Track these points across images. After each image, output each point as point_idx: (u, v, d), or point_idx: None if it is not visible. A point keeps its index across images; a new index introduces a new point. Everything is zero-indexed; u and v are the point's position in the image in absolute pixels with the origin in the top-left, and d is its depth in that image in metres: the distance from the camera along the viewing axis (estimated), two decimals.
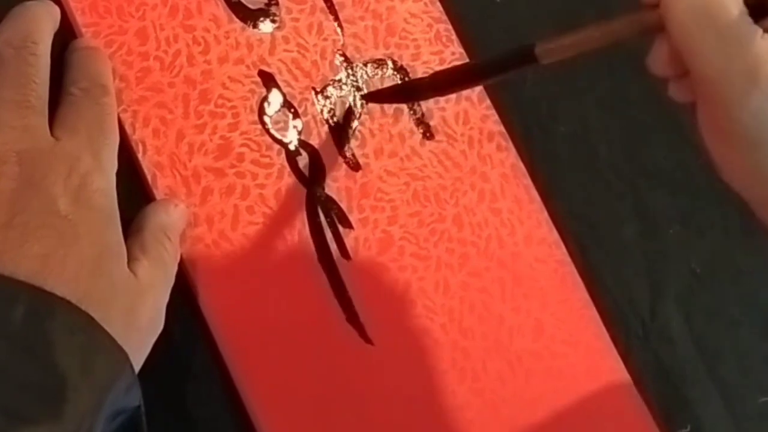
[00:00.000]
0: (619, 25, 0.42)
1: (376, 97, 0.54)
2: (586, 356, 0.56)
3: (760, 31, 0.38)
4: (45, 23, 0.44)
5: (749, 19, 0.38)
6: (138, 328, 0.42)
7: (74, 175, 0.41)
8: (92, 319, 0.38)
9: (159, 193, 0.47)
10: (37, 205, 0.40)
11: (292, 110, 0.52)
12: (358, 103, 0.53)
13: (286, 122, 0.51)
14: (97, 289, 0.40)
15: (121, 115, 0.47)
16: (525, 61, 0.46)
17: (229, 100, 0.50)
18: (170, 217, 0.47)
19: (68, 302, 0.38)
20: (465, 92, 0.56)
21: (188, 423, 0.46)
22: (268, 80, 0.51)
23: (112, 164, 0.44)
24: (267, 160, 0.50)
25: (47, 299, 0.38)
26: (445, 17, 0.57)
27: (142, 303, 0.43)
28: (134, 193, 0.47)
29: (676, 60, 0.41)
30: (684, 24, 0.39)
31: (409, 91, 0.55)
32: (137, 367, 0.41)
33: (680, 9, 0.39)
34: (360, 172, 0.53)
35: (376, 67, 0.55)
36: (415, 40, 0.56)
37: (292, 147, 0.51)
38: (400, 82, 0.55)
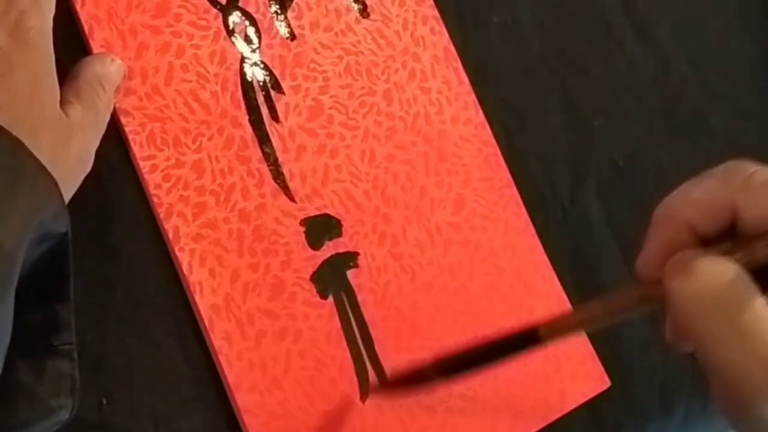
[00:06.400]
0: (622, 302, 0.40)
1: (383, 388, 0.53)
2: (505, 232, 0.59)
3: None
4: None
5: (764, 302, 0.34)
6: (66, 161, 0.44)
7: (11, 11, 0.43)
8: (21, 143, 0.40)
9: (95, 45, 0.49)
10: None
11: None
12: None
13: None
14: (28, 118, 0.42)
15: None
16: (529, 342, 0.43)
17: None
18: (106, 68, 0.48)
19: None
20: None
21: (112, 259, 0.48)
22: None
23: (49, 7, 0.45)
24: (204, 22, 0.52)
25: None
26: None
27: (72, 140, 0.45)
28: (71, 46, 0.49)
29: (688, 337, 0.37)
30: (692, 316, 0.35)
31: (415, 378, 0.51)
32: (66, 199, 0.43)
33: (686, 300, 0.36)
34: (295, 42, 0.55)
35: None
36: None
37: (229, 12, 0.53)
38: None
